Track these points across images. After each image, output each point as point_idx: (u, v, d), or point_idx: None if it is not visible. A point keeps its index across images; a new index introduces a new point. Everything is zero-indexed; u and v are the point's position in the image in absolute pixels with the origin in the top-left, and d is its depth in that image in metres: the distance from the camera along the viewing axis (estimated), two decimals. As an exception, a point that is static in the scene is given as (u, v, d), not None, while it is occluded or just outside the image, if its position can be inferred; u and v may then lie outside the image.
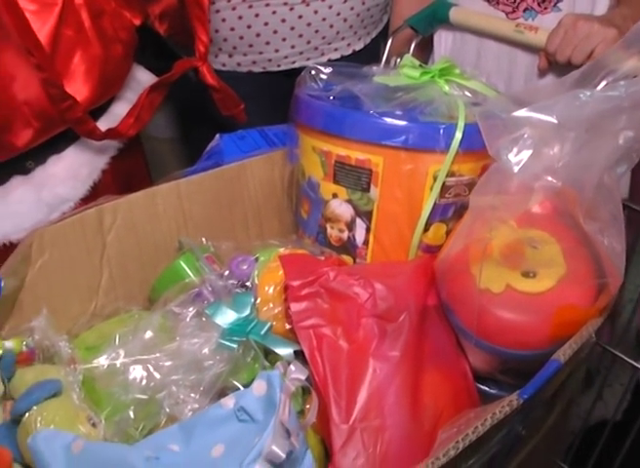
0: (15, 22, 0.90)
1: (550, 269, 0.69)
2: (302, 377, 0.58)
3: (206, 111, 1.41)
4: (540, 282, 0.69)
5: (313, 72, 0.90)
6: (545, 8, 1.18)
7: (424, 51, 1.33)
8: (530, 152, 0.59)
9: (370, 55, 1.34)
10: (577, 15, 1.07)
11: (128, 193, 0.89)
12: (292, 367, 0.58)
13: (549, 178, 0.59)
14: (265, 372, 0.57)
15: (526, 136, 0.58)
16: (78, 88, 1.01)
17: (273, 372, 0.57)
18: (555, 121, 0.58)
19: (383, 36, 1.55)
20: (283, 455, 0.52)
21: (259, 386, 0.56)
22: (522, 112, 0.59)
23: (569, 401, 0.83)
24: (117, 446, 0.58)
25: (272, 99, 1.31)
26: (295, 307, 0.65)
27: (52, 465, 0.53)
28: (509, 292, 0.69)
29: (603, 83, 0.58)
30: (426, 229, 0.81)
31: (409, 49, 1.29)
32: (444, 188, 0.79)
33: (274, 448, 0.52)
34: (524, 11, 1.20)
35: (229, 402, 0.58)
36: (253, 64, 1.51)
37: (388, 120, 0.76)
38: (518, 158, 0.59)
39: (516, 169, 0.58)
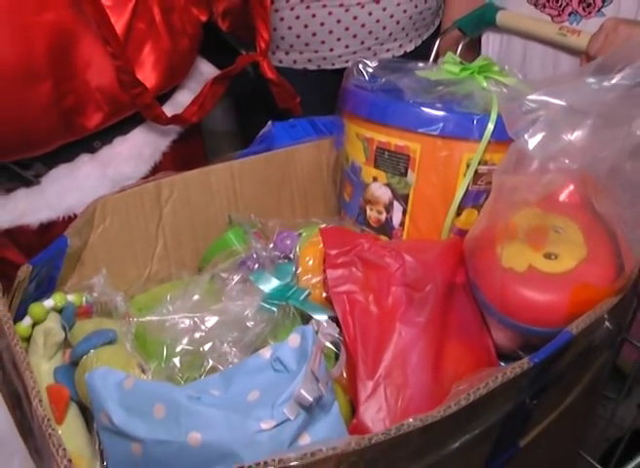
0: (95, 15, 0.97)
1: (571, 252, 0.73)
2: (334, 333, 0.63)
3: (262, 105, 1.47)
4: (560, 263, 0.73)
5: (360, 66, 0.94)
6: (590, 12, 1.20)
7: (472, 52, 1.36)
8: (545, 134, 0.62)
9: (421, 56, 1.37)
10: (618, 19, 1.09)
11: (185, 173, 0.95)
12: (324, 323, 0.63)
13: (565, 160, 0.62)
14: (300, 327, 0.62)
15: (542, 118, 0.62)
16: (147, 76, 1.08)
17: (307, 327, 0.62)
18: (568, 105, 0.62)
19: (435, 38, 1.59)
20: (310, 399, 0.57)
21: (293, 339, 0.61)
22: (538, 96, 0.63)
23: (590, 395, 0.85)
24: (163, 384, 0.63)
25: (325, 96, 1.36)
26: (331, 274, 0.71)
27: (105, 398, 0.59)
28: (531, 272, 0.73)
29: (620, 73, 0.62)
30: (459, 214, 0.85)
31: (456, 50, 1.34)
32: (476, 176, 0.83)
33: (303, 392, 0.57)
34: (569, 14, 1.23)
35: (267, 353, 0.63)
36: (308, 62, 1.56)
37: (426, 109, 0.81)
38: (534, 139, 0.63)
39: (532, 148, 0.62)
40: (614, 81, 0.62)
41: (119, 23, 1.04)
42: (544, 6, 1.25)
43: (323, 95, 1.35)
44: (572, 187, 0.70)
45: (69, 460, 0.47)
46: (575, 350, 0.68)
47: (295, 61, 1.56)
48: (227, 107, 1.86)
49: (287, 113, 1.33)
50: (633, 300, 0.79)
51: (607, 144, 0.60)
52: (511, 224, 0.73)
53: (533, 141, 0.63)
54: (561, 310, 0.71)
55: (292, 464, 0.46)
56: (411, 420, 0.50)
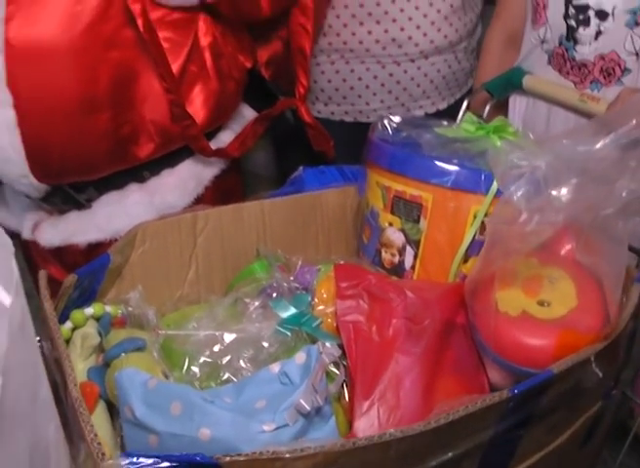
0: (155, 55, 1.09)
1: (563, 301, 0.80)
2: (336, 354, 0.71)
3: (299, 148, 1.57)
4: (552, 311, 0.80)
5: (385, 121, 1.04)
6: (610, 81, 1.28)
7: (499, 113, 1.44)
8: (530, 188, 0.70)
9: (452, 115, 1.45)
10: (634, 88, 1.17)
11: (222, 208, 1.05)
12: (328, 345, 0.71)
13: (551, 213, 0.70)
14: (307, 346, 0.71)
15: (527, 173, 0.70)
16: (196, 112, 1.19)
17: (313, 347, 0.70)
18: (554, 162, 0.70)
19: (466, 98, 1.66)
20: (309, 408, 0.64)
21: (300, 356, 0.70)
22: (525, 153, 0.71)
23: (586, 445, 0.90)
24: (182, 385, 0.72)
25: (358, 147, 1.45)
26: (340, 304, 0.79)
27: (131, 394, 0.68)
28: (524, 317, 0.80)
29: (610, 135, 0.69)
30: (465, 261, 0.92)
31: (484, 110, 1.42)
32: (482, 227, 0.91)
33: (302, 401, 0.65)
34: (590, 82, 1.30)
35: (275, 368, 0.71)
36: (345, 114, 1.66)
37: (439, 163, 0.90)
38: (520, 192, 0.71)
39: (518, 200, 0.70)
40: (602, 143, 0.69)
41: (175, 64, 1.15)
42: (568, 73, 1.33)
43: (357, 146, 1.44)
44: (564, 239, 0.77)
45: (95, 434, 0.56)
46: (558, 389, 0.75)
47: (332, 113, 1.66)
48: (267, 151, 1.97)
49: (321, 156, 1.43)
50: (620, 350, 0.85)
51: (591, 201, 0.68)
52: (508, 271, 0.81)
53: (519, 194, 0.71)
54: (549, 352, 0.78)
55: (283, 456, 0.54)
56: (392, 430, 0.58)
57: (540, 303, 0.81)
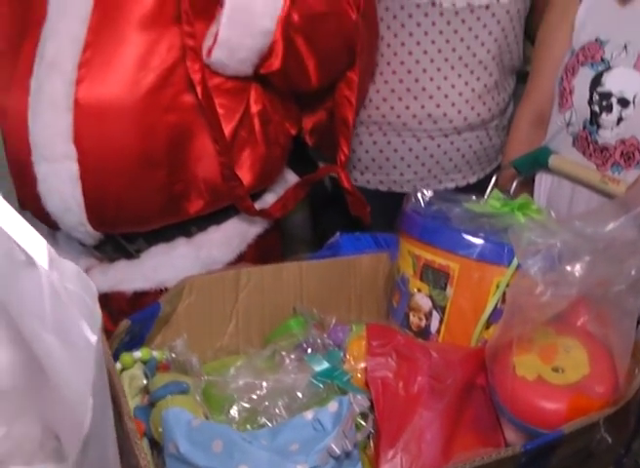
0: (210, 119, 1.18)
1: (576, 368, 0.87)
2: (365, 405, 0.78)
3: (336, 213, 1.66)
4: (565, 377, 0.87)
5: (419, 193, 1.12)
6: (630, 165, 1.36)
7: (526, 189, 1.52)
8: (549, 262, 0.78)
9: (482, 188, 1.53)
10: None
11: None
12: (358, 396, 0.79)
13: (564, 287, 0.77)
14: (339, 397, 0.78)
15: (547, 249, 0.78)
16: (243, 174, 1.28)
17: (344, 397, 0.78)
18: (569, 240, 0.78)
19: (496, 173, 1.75)
20: (339, 452, 0.72)
21: (332, 405, 0.77)
22: (547, 230, 0.79)
23: None
24: (224, 425, 0.80)
25: (390, 215, 1.53)
26: (370, 360, 0.87)
27: (176, 431, 0.76)
28: (540, 382, 0.87)
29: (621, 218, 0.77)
30: (487, 327, 1.00)
31: (511, 186, 1.51)
32: (503, 296, 0.98)
33: (333, 445, 0.72)
34: (612, 165, 1.38)
35: (309, 415, 0.78)
36: (380, 184, 1.76)
37: (466, 236, 0.98)
38: (538, 266, 0.79)
39: (534, 273, 0.78)
40: (615, 224, 0.77)
41: (227, 129, 1.24)
42: (591, 155, 1.41)
43: (389, 214, 1.53)
44: (578, 311, 0.85)
45: (148, 461, 0.63)
46: (568, 448, 0.81)
47: (368, 182, 1.75)
48: (304, 213, 2.06)
49: (356, 221, 1.51)
50: (630, 418, 0.91)
51: (603, 277, 0.75)
52: (525, 338, 0.88)
53: (536, 268, 0.78)
54: (561, 415, 0.84)
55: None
56: (413, 475, 0.65)
57: (555, 369, 0.87)
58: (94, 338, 0.52)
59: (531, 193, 1.54)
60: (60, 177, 1.20)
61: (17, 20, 1.24)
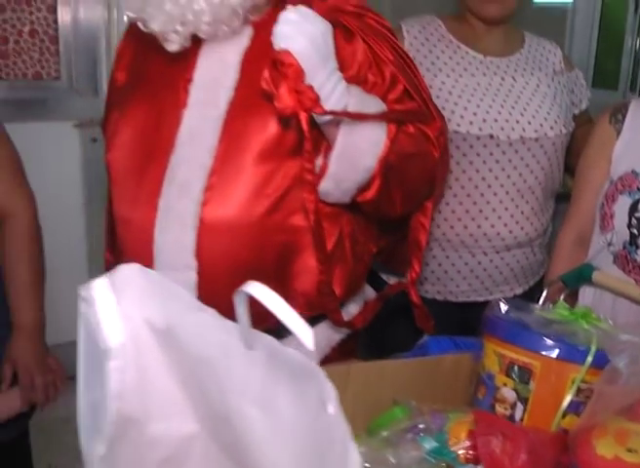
0: (317, 242, 1.40)
1: (646, 449, 1.07)
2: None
3: (399, 323, 1.86)
4: (638, 456, 1.07)
5: (500, 303, 1.34)
6: (665, 288, 1.59)
7: (571, 299, 1.74)
8: (628, 360, 1.00)
9: (527, 300, 1.75)
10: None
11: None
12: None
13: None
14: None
15: (627, 350, 1.00)
16: (334, 289, 1.51)
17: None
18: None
19: (538, 285, 1.99)
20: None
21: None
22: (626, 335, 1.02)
23: None
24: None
25: (445, 322, 1.75)
26: (480, 438, 1.06)
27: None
28: (617, 460, 1.07)
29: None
30: (564, 416, 1.20)
31: (559, 297, 1.73)
32: (578, 390, 1.19)
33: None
34: (651, 281, 1.62)
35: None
36: (437, 293, 1.99)
37: (546, 339, 1.20)
38: (623, 361, 1.00)
39: (621, 367, 1.00)
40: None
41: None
42: (630, 272, 1.65)
43: (444, 321, 1.74)
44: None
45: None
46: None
47: (427, 292, 1.99)
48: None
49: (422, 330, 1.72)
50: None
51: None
52: (604, 424, 1.09)
53: (621, 363, 1.00)
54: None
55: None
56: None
57: (629, 450, 1.07)
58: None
59: (573, 304, 1.76)
60: (179, 284, 1.43)
61: (145, 148, 1.47)
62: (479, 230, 1.90)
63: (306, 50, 1.24)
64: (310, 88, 1.25)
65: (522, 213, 1.92)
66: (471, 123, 1.84)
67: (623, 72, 3.85)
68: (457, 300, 1.98)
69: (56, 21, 3.33)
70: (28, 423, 1.95)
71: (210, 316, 0.91)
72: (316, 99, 1.25)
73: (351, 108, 1.33)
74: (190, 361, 0.90)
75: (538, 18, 3.46)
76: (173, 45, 1.39)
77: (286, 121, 1.36)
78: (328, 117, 1.30)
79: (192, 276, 1.42)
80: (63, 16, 3.34)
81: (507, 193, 1.89)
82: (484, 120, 1.85)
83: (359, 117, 1.34)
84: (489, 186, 1.88)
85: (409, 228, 1.63)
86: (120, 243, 1.55)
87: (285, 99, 1.24)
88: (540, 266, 2.05)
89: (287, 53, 1.24)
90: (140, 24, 1.40)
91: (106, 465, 0.90)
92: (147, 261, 1.42)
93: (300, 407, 0.80)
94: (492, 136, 1.85)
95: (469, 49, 1.95)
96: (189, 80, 1.44)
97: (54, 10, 3.31)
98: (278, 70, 1.25)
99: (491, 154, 1.87)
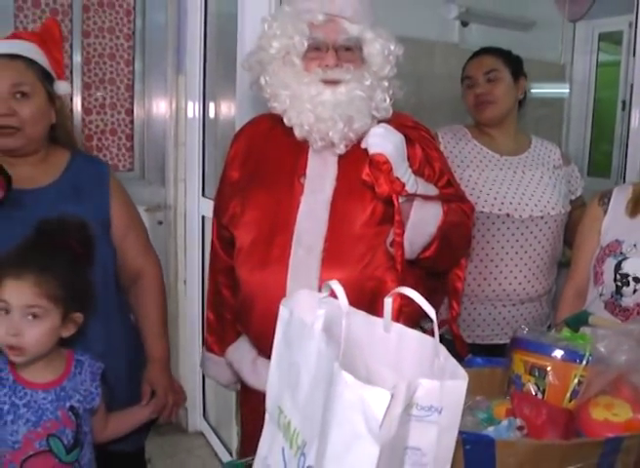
0: (400, 281, 2.04)
1: (625, 413, 1.67)
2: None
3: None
4: (620, 417, 1.66)
5: (522, 327, 1.94)
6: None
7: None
8: (610, 347, 1.61)
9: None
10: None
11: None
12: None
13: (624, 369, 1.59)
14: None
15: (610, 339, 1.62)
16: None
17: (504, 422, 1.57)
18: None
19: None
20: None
21: (504, 422, 1.56)
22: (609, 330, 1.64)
23: None
24: None
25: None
26: (517, 404, 1.66)
27: None
28: (605, 421, 1.66)
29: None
30: (570, 401, 1.79)
31: (564, 336, 2.34)
32: (579, 383, 1.78)
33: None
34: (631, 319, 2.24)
35: (491, 428, 1.57)
36: (467, 337, 2.60)
37: (556, 348, 1.80)
38: (604, 347, 1.61)
39: (605, 356, 1.61)
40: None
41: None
42: (617, 314, 2.27)
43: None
44: (622, 385, 1.66)
45: None
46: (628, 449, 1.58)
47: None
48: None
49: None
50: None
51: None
52: (595, 400, 1.68)
53: (602, 348, 1.62)
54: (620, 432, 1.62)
55: None
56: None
57: (614, 414, 1.67)
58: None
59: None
60: None
61: (270, 224, 2.12)
62: (499, 287, 2.53)
63: (393, 152, 1.89)
64: (398, 178, 1.90)
65: (533, 274, 2.56)
66: (492, 205, 2.51)
67: (614, 162, 4.52)
68: (482, 343, 2.59)
69: (132, 122, 4.05)
70: (146, 438, 2.52)
71: (360, 315, 1.50)
72: (403, 186, 1.90)
73: (419, 192, 1.98)
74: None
75: (536, 108, 4.09)
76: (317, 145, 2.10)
77: (378, 201, 2.01)
78: (404, 198, 1.95)
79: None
80: (138, 116, 4.06)
81: (521, 259, 2.53)
82: (502, 203, 2.51)
83: (425, 197, 1.99)
84: (507, 253, 2.52)
85: (447, 279, 2.26)
86: (245, 296, 2.17)
87: (383, 186, 1.89)
88: (546, 318, 2.67)
89: (381, 155, 1.89)
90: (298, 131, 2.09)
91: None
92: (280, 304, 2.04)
93: (423, 360, 1.40)
94: (508, 215, 2.51)
95: (489, 150, 2.65)
96: (303, 174, 2.10)
97: (131, 112, 4.03)
98: (375, 167, 1.90)
99: (508, 228, 2.52)
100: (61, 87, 2.34)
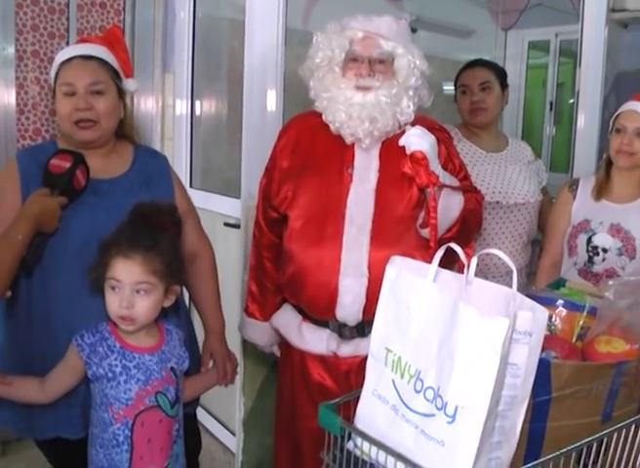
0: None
1: (621, 346, 2.29)
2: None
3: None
4: (617, 349, 2.28)
5: (531, 287, 2.55)
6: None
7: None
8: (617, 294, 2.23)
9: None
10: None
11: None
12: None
13: (625, 314, 2.20)
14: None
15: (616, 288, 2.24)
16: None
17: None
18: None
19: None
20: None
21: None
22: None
23: None
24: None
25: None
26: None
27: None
28: (608, 353, 2.27)
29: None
30: (576, 341, 2.40)
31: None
32: (581, 328, 2.40)
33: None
34: (601, 283, 2.88)
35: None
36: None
37: (562, 301, 2.41)
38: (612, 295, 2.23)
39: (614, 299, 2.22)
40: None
41: None
42: (589, 279, 2.92)
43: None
44: (617, 326, 2.28)
45: None
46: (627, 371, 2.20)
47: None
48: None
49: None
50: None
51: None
52: (598, 337, 2.30)
53: (610, 294, 2.23)
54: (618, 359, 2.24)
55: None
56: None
57: (614, 348, 2.28)
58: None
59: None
60: (356, 286, 2.56)
61: (321, 206, 2.62)
62: (491, 261, 3.15)
63: (429, 150, 2.45)
64: (433, 171, 2.45)
65: (517, 250, 3.20)
66: (485, 194, 3.11)
67: (543, 157, 5.22)
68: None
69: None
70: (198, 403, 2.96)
71: (448, 272, 2.04)
72: (438, 178, 2.46)
73: (447, 183, 2.54)
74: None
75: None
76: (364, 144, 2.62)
77: (412, 189, 2.57)
78: (437, 188, 2.52)
79: (364, 281, 2.56)
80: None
81: (507, 238, 3.16)
82: (493, 192, 3.13)
83: (452, 188, 2.57)
84: (496, 233, 3.15)
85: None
86: (298, 268, 2.65)
87: (422, 178, 2.44)
88: (524, 287, 3.30)
89: (420, 152, 2.43)
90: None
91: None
92: (335, 275, 2.56)
93: (498, 304, 1.95)
94: (497, 202, 3.14)
95: (477, 148, 3.26)
96: (350, 166, 2.62)
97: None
98: (415, 162, 2.45)
99: (497, 213, 3.15)
100: (130, 84, 2.71)
